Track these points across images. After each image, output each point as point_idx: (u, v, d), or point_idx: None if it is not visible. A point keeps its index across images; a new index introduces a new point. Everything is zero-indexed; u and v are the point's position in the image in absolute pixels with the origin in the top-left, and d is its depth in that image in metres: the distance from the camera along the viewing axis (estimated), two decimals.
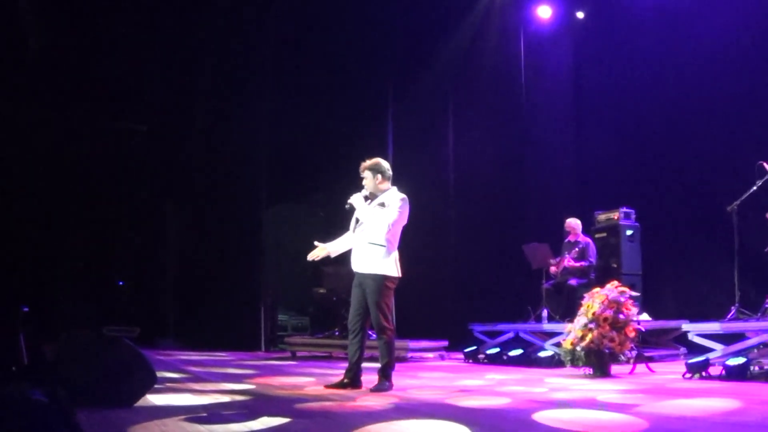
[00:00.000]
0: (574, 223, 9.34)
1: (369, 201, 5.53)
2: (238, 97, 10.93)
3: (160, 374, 5.40)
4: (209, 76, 11.03)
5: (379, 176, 5.48)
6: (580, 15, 11.45)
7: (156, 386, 4.60)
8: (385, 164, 5.57)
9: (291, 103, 11.00)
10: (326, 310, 10.28)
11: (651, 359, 7.21)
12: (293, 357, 9.30)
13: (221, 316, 10.59)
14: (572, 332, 6.63)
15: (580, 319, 6.61)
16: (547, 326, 8.39)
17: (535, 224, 10.61)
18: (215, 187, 11.10)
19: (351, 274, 5.53)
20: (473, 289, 10.72)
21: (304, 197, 12.21)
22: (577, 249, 9.04)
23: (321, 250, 5.62)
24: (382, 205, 5.45)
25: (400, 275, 5.44)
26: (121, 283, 10.89)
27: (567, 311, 8.50)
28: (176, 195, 11.40)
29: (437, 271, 10.91)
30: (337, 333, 9.17)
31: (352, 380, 5.42)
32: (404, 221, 5.47)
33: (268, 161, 10.99)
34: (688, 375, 6.02)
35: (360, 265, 5.44)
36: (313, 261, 5.66)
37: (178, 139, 11.21)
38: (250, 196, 10.94)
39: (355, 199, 5.47)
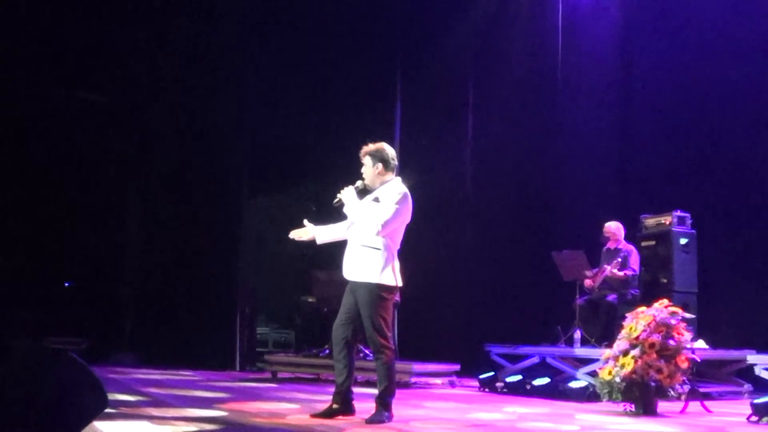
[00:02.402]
0: (614, 227, 9.32)
1: (364, 196, 5.53)
2: (216, 65, 10.92)
3: (113, 396, 5.37)
4: (183, 41, 10.99)
5: (380, 165, 5.53)
6: None
7: (107, 411, 4.54)
8: (390, 151, 5.60)
9: (280, 75, 11.03)
10: (315, 323, 10.33)
11: (707, 396, 7.17)
12: (274, 378, 9.34)
13: (188, 327, 10.56)
14: (611, 359, 6.60)
15: (621, 344, 6.58)
16: (580, 351, 8.41)
17: (567, 228, 10.63)
18: (186, 172, 11.07)
19: (345, 281, 5.54)
20: (491, 303, 10.75)
21: (292, 187, 12.26)
22: (618, 259, 9.03)
23: (306, 233, 5.72)
24: (377, 200, 5.46)
25: (400, 285, 5.45)
26: (67, 284, 10.88)
27: (605, 333, 8.51)
28: (138, 181, 11.37)
29: (448, 280, 10.95)
30: (327, 351, 9.22)
31: (342, 406, 5.43)
32: (404, 220, 5.49)
33: (250, 144, 11.02)
34: (754, 418, 5.98)
35: (351, 271, 5.45)
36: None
37: (143, 115, 11.17)
38: (228, 185, 10.94)
39: (346, 193, 5.48)
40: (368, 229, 5.38)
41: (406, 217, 5.50)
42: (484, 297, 10.85)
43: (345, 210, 5.52)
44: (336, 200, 5.52)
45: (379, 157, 5.53)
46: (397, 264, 5.46)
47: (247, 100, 10.90)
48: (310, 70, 11.06)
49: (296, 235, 5.75)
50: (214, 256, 10.78)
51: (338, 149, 10.46)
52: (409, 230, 5.62)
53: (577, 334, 8.68)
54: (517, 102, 11.23)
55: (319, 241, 5.73)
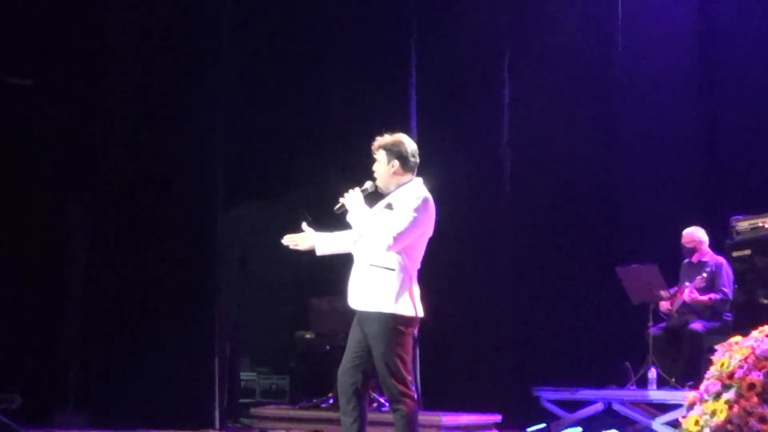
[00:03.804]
0: (697, 235, 9.35)
1: (377, 201, 5.61)
2: (181, 36, 10.76)
3: None
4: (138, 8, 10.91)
5: (396, 162, 5.59)
6: None
7: None
8: (410, 145, 5.66)
9: (262, 50, 11.01)
10: (315, 366, 10.37)
11: None
12: None
13: (152, 375, 10.27)
14: (697, 405, 6.30)
15: (710, 385, 6.36)
16: (657, 394, 8.51)
17: (636, 237, 10.69)
18: (144, 176, 10.91)
19: (352, 312, 5.60)
20: (540, 335, 10.74)
21: (282, 192, 12.13)
22: (703, 274, 9.03)
23: (303, 239, 5.86)
24: (390, 207, 5.49)
25: (421, 315, 5.47)
26: None
27: (688, 371, 8.59)
28: (83, 189, 11.21)
29: (483, 308, 10.86)
30: (331, 401, 9.23)
31: None
32: (424, 233, 5.52)
33: (227, 138, 10.89)
34: None
35: (359, 298, 5.48)
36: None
37: (87, 105, 11.05)
38: (200, 191, 10.72)
39: (351, 197, 5.51)
40: (377, 242, 5.37)
41: (427, 228, 5.51)
42: (530, 327, 10.81)
43: (349, 218, 5.53)
44: (338, 206, 5.55)
45: (395, 153, 5.59)
46: (416, 289, 5.48)
47: (222, 86, 10.81)
48: (300, 42, 10.99)
49: (291, 241, 5.88)
50: (182, 282, 10.55)
51: (338, 143, 10.46)
52: (432, 244, 5.64)
53: (652, 373, 8.75)
54: (567, 77, 11.22)
55: (319, 252, 5.83)
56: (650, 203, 10.90)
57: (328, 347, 9.50)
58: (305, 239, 5.83)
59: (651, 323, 9.13)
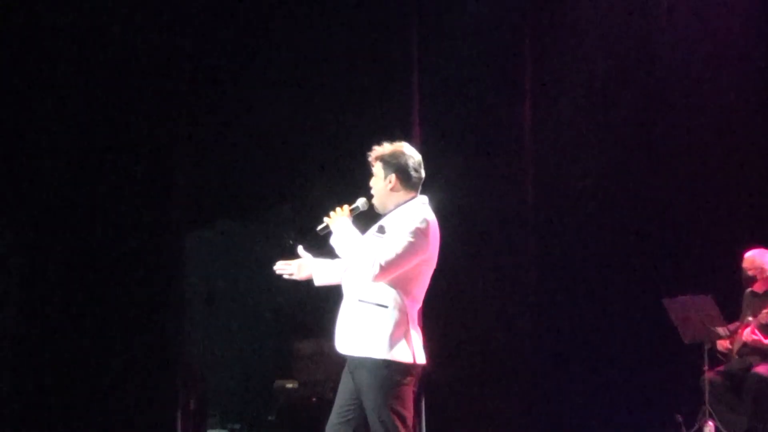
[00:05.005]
0: (762, 259, 9.38)
1: (373, 223, 5.61)
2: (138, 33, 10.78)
3: None
4: None
5: (394, 177, 5.59)
6: None
7: None
8: (413, 158, 5.65)
9: (236, 39, 11.06)
10: (299, 421, 10.34)
11: None
12: None
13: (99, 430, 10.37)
14: None
15: None
16: None
17: (685, 262, 10.76)
18: (84, 189, 10.86)
19: (343, 358, 5.58)
20: (570, 383, 10.74)
21: (258, 211, 12.16)
22: None
23: (300, 268, 5.84)
24: (382, 231, 5.47)
25: (422, 362, 5.45)
26: None
27: (754, 424, 8.67)
28: (7, 205, 11.11)
29: (502, 351, 10.88)
30: None
31: None
32: (426, 262, 5.49)
33: (190, 147, 10.91)
34: None
35: (345, 340, 5.48)
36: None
37: (24, 112, 10.96)
38: (156, 208, 10.71)
39: (338, 217, 5.52)
40: (362, 271, 5.36)
41: (427, 257, 5.47)
42: (559, 373, 10.82)
43: (332, 242, 5.51)
44: (321, 226, 5.54)
45: (394, 165, 5.57)
46: (416, 331, 5.45)
47: (182, 74, 10.83)
48: (278, 31, 11.06)
49: (284, 270, 5.84)
50: (137, 318, 10.53)
51: (325, 150, 10.58)
52: (436, 277, 5.62)
53: (709, 428, 8.81)
54: (598, 77, 11.25)
55: (318, 283, 5.83)
56: (703, 221, 10.91)
57: (314, 399, 9.63)
58: (302, 267, 5.80)
59: (706, 366, 9.15)
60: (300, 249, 5.80)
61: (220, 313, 11.76)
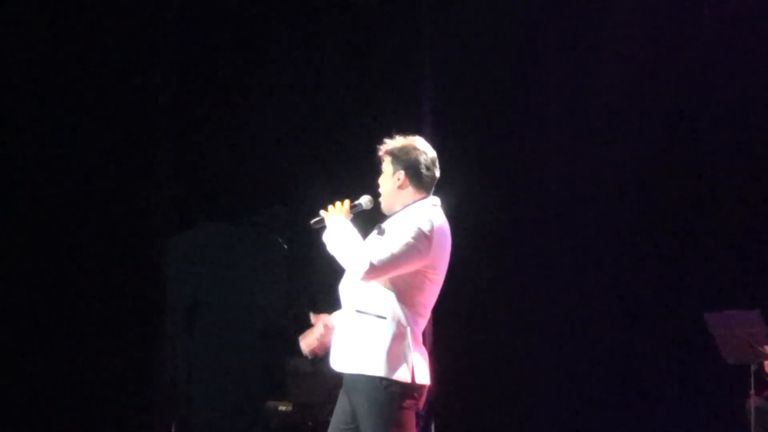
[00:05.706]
0: None
1: (379, 223, 5.63)
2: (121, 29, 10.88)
3: None
4: None
5: (402, 174, 5.62)
6: None
7: None
8: (427, 154, 5.67)
9: (231, 30, 11.19)
10: None
11: None
12: None
13: None
14: None
15: None
16: None
17: (728, 273, 10.71)
18: (61, 194, 10.88)
19: (339, 378, 5.61)
20: (601, 407, 10.74)
21: (247, 212, 12.13)
22: None
23: (322, 335, 5.79)
24: (381, 231, 5.47)
25: (424, 383, 5.47)
26: None
27: None
28: None
29: (524, 374, 10.97)
30: None
31: None
32: (433, 268, 5.48)
33: (173, 144, 11.01)
34: None
35: (340, 356, 5.49)
36: (307, 356, 5.98)
37: None
38: (133, 209, 10.75)
39: (334, 211, 5.55)
40: (353, 267, 5.36)
41: (430, 263, 5.45)
42: (589, 396, 10.82)
43: (324, 237, 5.56)
44: (315, 219, 5.60)
45: (404, 161, 5.60)
46: (417, 347, 5.44)
47: (165, 61, 10.99)
48: (273, 18, 11.19)
49: (311, 344, 5.85)
50: (110, 333, 10.57)
51: (324, 147, 10.67)
52: (446, 289, 5.60)
53: None
54: (628, 68, 11.22)
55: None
56: (750, 227, 10.91)
57: (310, 423, 9.65)
58: (324, 334, 5.76)
59: (752, 390, 9.05)
60: (311, 316, 5.86)
61: (205, 327, 11.69)
